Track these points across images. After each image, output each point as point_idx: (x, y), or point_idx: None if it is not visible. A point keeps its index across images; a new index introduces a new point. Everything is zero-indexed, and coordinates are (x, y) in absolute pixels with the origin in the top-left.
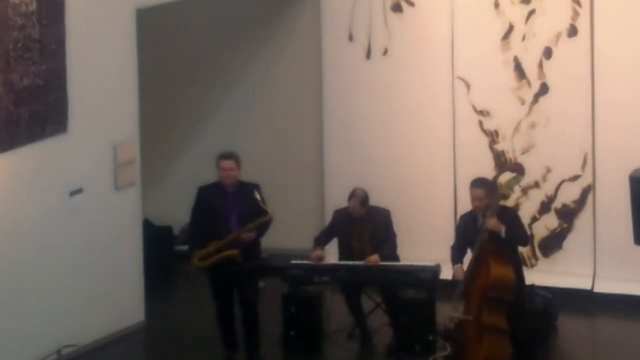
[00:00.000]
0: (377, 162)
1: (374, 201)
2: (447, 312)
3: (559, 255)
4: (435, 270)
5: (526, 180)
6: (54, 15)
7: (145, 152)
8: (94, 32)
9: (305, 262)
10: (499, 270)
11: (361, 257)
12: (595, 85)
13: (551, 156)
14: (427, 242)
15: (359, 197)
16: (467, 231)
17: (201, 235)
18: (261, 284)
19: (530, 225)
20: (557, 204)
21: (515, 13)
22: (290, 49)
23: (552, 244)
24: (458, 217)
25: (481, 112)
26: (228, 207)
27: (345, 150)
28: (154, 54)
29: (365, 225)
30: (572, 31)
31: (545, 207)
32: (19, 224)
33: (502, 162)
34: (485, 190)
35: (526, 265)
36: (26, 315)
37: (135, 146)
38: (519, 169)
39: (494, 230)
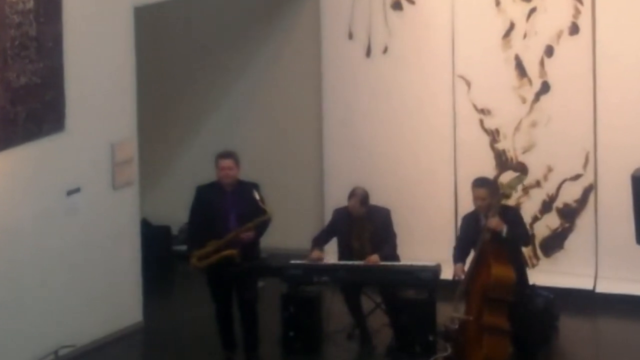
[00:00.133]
0: (377, 161)
1: (373, 200)
2: (447, 313)
3: (560, 255)
4: (436, 270)
5: (527, 179)
6: (51, 13)
7: (143, 151)
8: (91, 30)
9: (304, 262)
10: (500, 271)
11: (361, 257)
12: (597, 83)
13: (552, 155)
14: (427, 241)
15: (359, 196)
16: (470, 231)
17: (200, 235)
18: (260, 284)
19: (531, 224)
20: (558, 203)
21: (516, 11)
22: (289, 47)
23: (554, 243)
24: (459, 216)
25: (482, 111)
26: (227, 207)
27: (345, 149)
28: (152, 52)
29: (365, 224)
30: (574, 29)
31: (546, 207)
32: (15, 223)
33: (503, 161)
34: (488, 189)
35: (527, 265)
36: (23, 316)
37: (133, 145)
38: (522, 169)
39: (495, 229)
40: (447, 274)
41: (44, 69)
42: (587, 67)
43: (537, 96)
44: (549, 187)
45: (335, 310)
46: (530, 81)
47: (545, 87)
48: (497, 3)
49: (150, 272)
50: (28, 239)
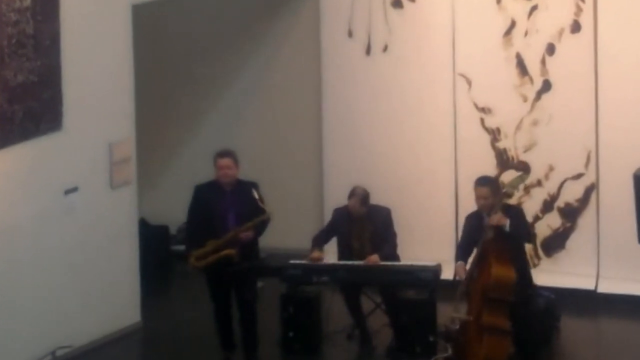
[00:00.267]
0: (377, 160)
1: (374, 200)
2: (448, 313)
3: (562, 255)
4: (436, 270)
5: (529, 178)
6: (48, 11)
7: (141, 150)
8: (89, 29)
9: (304, 262)
10: (500, 271)
11: (361, 257)
12: (599, 82)
13: (554, 154)
14: (427, 241)
15: (359, 196)
16: (473, 230)
17: (198, 235)
18: (259, 284)
19: (533, 224)
20: (560, 202)
21: (517, 9)
22: (288, 45)
23: (555, 243)
24: (459, 216)
25: (483, 110)
26: (226, 206)
27: (344, 148)
28: (150, 51)
29: (365, 224)
30: (576, 27)
31: (548, 206)
32: (13, 223)
33: (504, 160)
34: (490, 188)
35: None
36: (20, 316)
37: (131, 144)
38: (525, 168)
39: (498, 224)
40: (447, 274)
41: (41, 67)
42: (589, 66)
43: (539, 95)
44: (550, 187)
45: (335, 310)
46: (531, 80)
47: (546, 86)
48: (498, 1)
49: (149, 272)
50: (25, 239)
